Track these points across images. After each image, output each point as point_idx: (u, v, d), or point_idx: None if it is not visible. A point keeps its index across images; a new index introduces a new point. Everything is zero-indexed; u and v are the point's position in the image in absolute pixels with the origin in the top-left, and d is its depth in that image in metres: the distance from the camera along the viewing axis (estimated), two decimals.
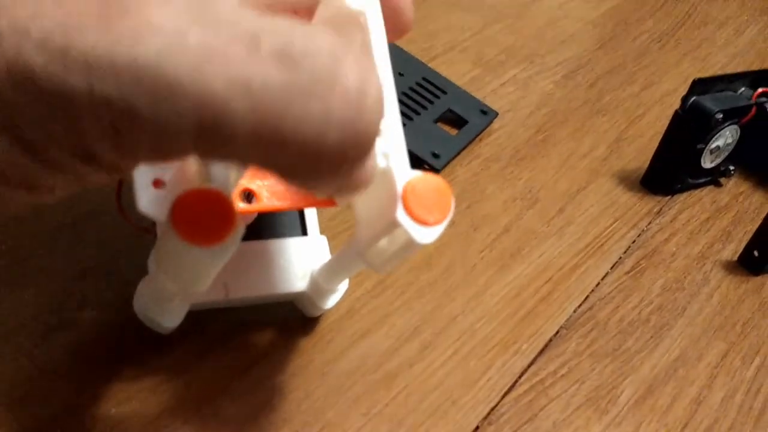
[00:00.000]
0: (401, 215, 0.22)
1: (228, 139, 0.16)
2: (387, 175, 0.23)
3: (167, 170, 0.23)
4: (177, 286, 0.26)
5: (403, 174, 0.22)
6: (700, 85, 0.45)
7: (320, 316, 0.34)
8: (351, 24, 0.23)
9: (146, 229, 0.29)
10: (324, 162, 0.17)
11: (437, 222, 0.23)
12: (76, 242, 0.35)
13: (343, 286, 0.32)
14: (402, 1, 0.23)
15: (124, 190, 0.28)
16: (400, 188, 0.22)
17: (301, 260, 0.31)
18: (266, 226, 0.32)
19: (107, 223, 0.36)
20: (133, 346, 0.31)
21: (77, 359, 0.30)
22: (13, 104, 0.15)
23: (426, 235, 0.22)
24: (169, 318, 0.28)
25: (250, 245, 0.30)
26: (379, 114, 0.17)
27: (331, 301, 0.32)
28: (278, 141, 0.16)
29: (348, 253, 0.28)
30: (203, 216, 0.21)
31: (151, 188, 0.23)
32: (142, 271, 0.32)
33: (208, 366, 0.31)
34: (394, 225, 0.22)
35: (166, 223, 0.21)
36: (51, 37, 0.15)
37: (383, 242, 0.24)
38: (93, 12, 0.15)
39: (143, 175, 0.23)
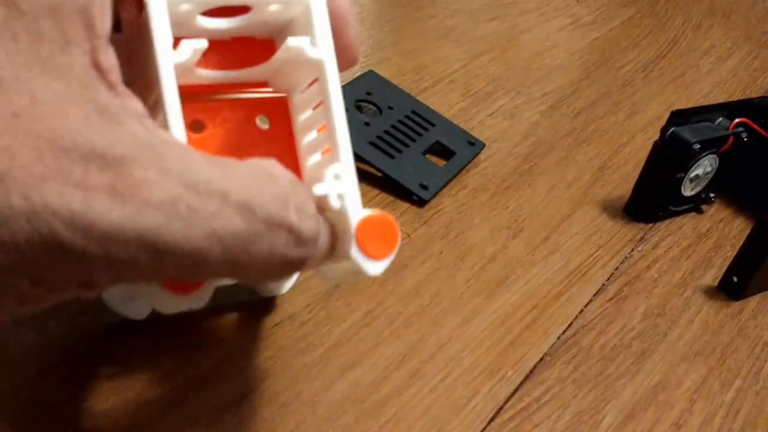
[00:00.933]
0: (355, 252, 0.25)
1: (202, 271, 0.21)
2: (342, 215, 0.25)
3: None
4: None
5: (356, 213, 0.25)
6: (679, 117, 0.47)
7: (308, 347, 0.36)
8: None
9: None
10: (274, 276, 0.23)
11: (386, 256, 0.26)
12: None
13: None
14: (351, 39, 0.27)
15: None
16: (353, 227, 0.25)
17: None
18: None
19: None
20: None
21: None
22: (38, 262, 0.18)
23: (375, 268, 0.26)
24: (135, 313, 0.31)
25: None
26: (313, 240, 0.23)
27: (285, 287, 0.36)
28: (238, 267, 0.21)
29: None
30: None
31: None
32: None
33: (200, 400, 0.32)
34: (347, 259, 0.25)
35: None
36: (77, 216, 0.18)
37: (335, 265, 0.27)
38: (108, 190, 0.18)
39: None
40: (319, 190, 0.25)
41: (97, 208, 0.18)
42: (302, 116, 0.28)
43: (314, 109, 0.27)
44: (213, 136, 0.26)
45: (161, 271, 0.20)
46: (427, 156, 0.50)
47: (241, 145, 0.27)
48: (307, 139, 0.28)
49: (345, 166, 0.26)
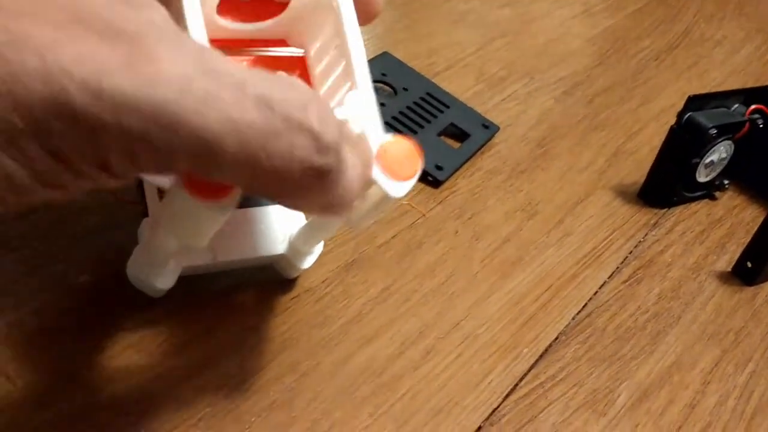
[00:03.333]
0: (376, 173, 0.25)
1: (218, 163, 0.20)
2: (362, 138, 0.25)
3: None
4: (178, 244, 0.28)
5: (377, 137, 0.25)
6: (696, 102, 0.47)
7: (327, 320, 0.36)
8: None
9: (132, 201, 0.33)
10: (291, 187, 0.21)
11: (408, 177, 0.26)
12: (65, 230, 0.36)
13: (319, 248, 0.35)
14: None
15: None
16: (374, 149, 0.25)
17: (281, 225, 0.34)
18: (248, 196, 0.34)
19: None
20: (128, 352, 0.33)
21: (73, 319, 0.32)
22: (55, 129, 0.18)
23: (398, 189, 0.26)
24: (162, 280, 0.31)
25: (235, 213, 0.32)
26: (335, 149, 0.21)
27: (308, 263, 0.35)
28: (255, 168, 0.20)
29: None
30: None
31: None
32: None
33: (222, 368, 0.33)
34: (369, 183, 0.25)
35: (176, 187, 0.24)
36: (90, 80, 0.18)
37: (359, 200, 0.26)
38: (122, 60, 0.18)
39: None
40: (340, 113, 0.25)
41: (110, 75, 0.18)
42: (319, 67, 0.28)
43: (331, 54, 0.27)
44: None
45: (175, 154, 0.19)
46: (442, 138, 0.50)
47: None
48: (324, 87, 0.28)
49: (364, 92, 0.26)
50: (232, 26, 0.27)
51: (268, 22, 0.27)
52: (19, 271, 0.34)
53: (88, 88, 0.18)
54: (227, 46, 0.27)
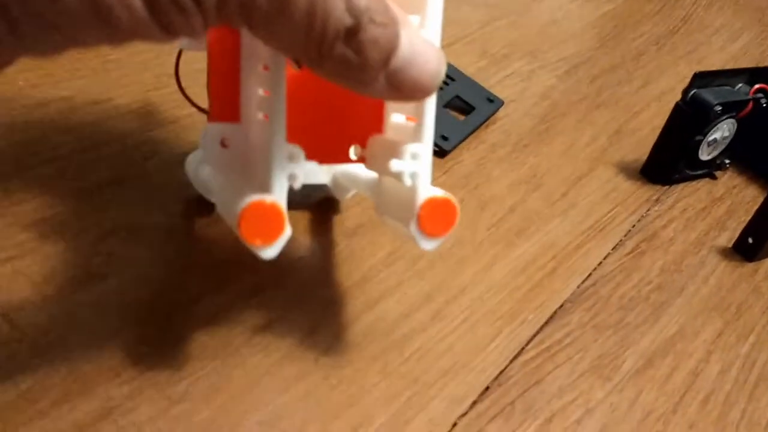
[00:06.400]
0: (413, 228, 0.27)
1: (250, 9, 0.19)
2: (411, 191, 0.27)
3: None
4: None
5: (424, 192, 0.27)
6: (701, 79, 0.47)
7: (335, 282, 0.36)
8: None
9: (203, 108, 0.32)
10: (318, 48, 0.20)
11: (441, 235, 0.27)
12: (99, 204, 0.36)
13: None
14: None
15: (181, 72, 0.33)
16: (418, 205, 0.27)
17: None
18: None
19: (129, 186, 0.37)
20: (161, 304, 0.32)
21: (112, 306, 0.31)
22: None
23: (429, 245, 0.27)
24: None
25: None
26: (365, 13, 0.20)
27: (347, 194, 0.38)
28: (288, 16, 0.19)
29: (359, 181, 0.33)
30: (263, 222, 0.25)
31: None
32: (171, 229, 0.33)
33: (228, 322, 0.32)
34: (406, 229, 0.27)
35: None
36: None
37: (390, 221, 0.29)
38: None
39: None
40: (395, 166, 0.26)
41: None
42: None
43: None
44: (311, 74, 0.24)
45: None
46: (447, 110, 0.50)
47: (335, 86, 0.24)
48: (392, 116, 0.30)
49: (425, 147, 0.27)
50: None
51: None
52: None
53: None
54: None
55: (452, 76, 0.52)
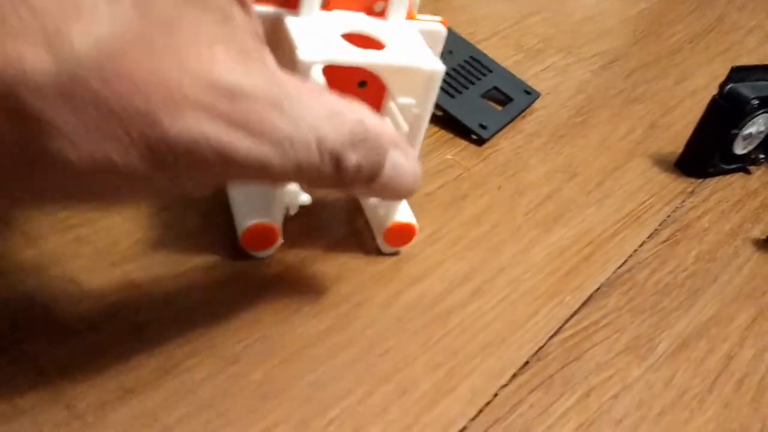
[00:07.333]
0: (380, 242, 0.37)
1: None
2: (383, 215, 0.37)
3: None
4: None
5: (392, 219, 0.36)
6: (739, 73, 0.47)
7: (378, 259, 0.37)
8: None
9: None
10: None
11: (401, 246, 0.38)
12: None
13: None
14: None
15: None
16: (386, 227, 0.36)
17: None
18: None
19: None
20: (217, 283, 0.34)
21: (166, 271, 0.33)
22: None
23: (389, 250, 0.38)
24: None
25: None
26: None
27: None
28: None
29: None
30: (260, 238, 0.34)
31: None
32: (220, 205, 0.35)
33: (283, 290, 0.34)
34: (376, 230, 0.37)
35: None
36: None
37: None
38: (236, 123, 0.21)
39: None
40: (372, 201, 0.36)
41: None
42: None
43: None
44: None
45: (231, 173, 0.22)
46: (485, 100, 0.51)
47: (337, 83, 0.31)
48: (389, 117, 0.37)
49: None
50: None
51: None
52: None
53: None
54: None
55: (490, 67, 0.54)
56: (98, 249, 0.33)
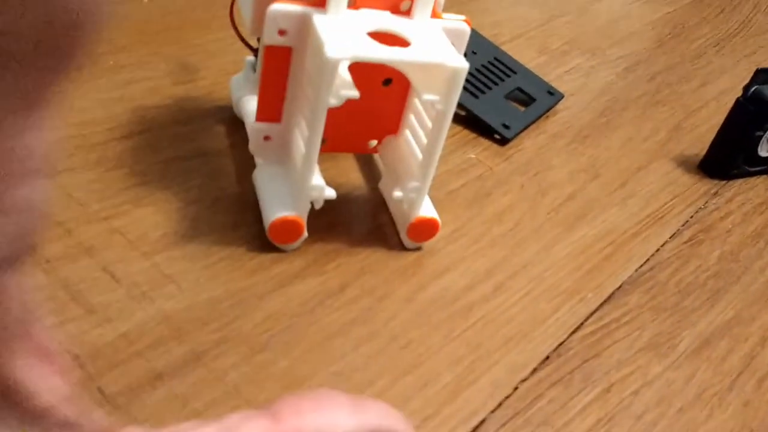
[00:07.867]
0: (403, 235, 0.38)
1: None
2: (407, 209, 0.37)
3: None
4: None
5: (416, 213, 0.37)
6: (763, 75, 0.47)
7: (402, 253, 0.38)
8: None
9: (252, 47, 0.40)
10: None
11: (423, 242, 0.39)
12: (186, 173, 0.38)
13: None
14: None
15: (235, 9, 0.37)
16: (409, 222, 0.37)
17: None
18: None
19: (213, 159, 0.40)
20: (239, 271, 0.34)
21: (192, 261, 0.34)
22: None
23: (412, 245, 0.39)
24: None
25: None
26: None
27: None
28: None
29: None
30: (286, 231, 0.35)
31: None
32: (247, 199, 0.36)
33: (308, 282, 0.34)
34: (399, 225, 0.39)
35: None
36: None
37: None
38: None
39: None
40: (396, 194, 0.36)
41: None
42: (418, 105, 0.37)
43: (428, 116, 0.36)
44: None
45: None
46: (508, 100, 0.52)
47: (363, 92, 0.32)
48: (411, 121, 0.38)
49: (423, 185, 0.36)
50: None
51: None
52: None
53: None
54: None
55: (513, 68, 0.54)
56: (130, 240, 0.34)
